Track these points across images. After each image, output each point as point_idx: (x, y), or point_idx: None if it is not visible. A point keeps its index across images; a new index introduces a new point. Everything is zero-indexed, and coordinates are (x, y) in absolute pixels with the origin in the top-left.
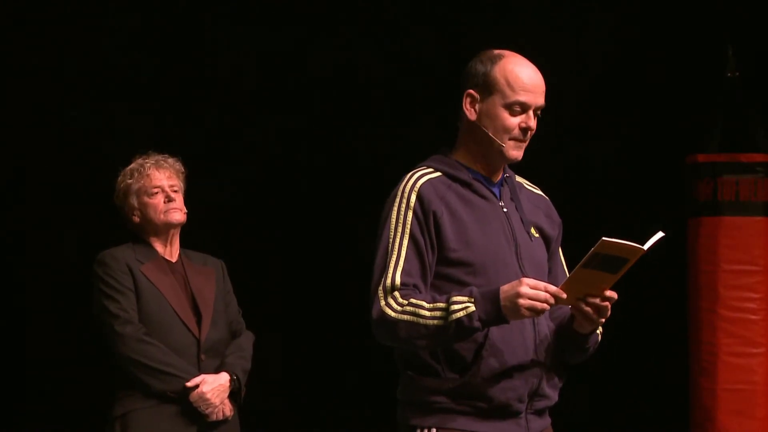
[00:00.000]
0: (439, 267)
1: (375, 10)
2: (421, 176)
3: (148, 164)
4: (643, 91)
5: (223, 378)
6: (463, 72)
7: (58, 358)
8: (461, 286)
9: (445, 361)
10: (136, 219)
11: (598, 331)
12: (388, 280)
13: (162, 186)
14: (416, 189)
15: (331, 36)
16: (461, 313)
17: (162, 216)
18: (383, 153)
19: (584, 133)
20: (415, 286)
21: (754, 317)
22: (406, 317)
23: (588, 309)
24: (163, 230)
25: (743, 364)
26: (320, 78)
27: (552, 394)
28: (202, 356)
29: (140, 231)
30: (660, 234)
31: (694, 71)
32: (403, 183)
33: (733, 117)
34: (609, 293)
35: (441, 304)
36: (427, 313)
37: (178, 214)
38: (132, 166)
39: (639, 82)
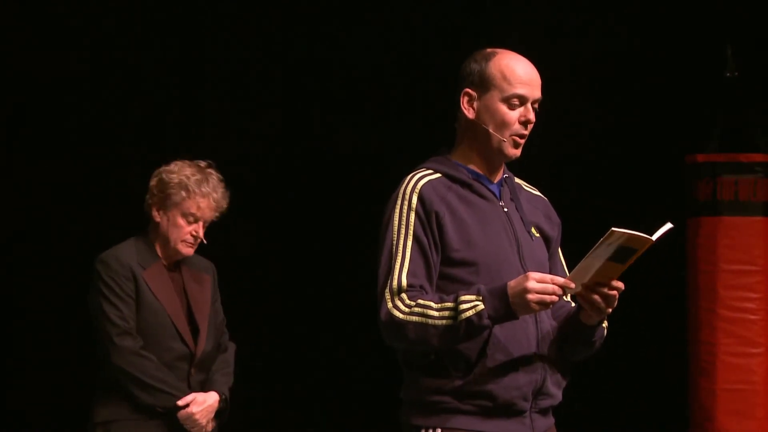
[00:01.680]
0: (442, 267)
1: (376, 8)
2: (422, 177)
3: (202, 190)
4: (643, 90)
5: (212, 398)
6: (458, 73)
7: (57, 358)
8: (465, 286)
9: (449, 360)
10: (157, 219)
11: (603, 325)
12: (395, 282)
13: (201, 219)
14: (417, 190)
15: (330, 35)
16: (470, 312)
17: (179, 244)
18: (382, 154)
19: (584, 133)
20: (421, 287)
21: (753, 317)
22: (414, 318)
23: (596, 297)
24: (171, 250)
25: (742, 364)
26: (319, 77)
27: (556, 393)
28: (193, 370)
29: (153, 229)
30: (668, 225)
31: (694, 71)
32: (404, 185)
33: (733, 117)
34: (616, 283)
35: (449, 304)
36: (436, 314)
37: (190, 250)
38: (187, 174)
39: (639, 81)
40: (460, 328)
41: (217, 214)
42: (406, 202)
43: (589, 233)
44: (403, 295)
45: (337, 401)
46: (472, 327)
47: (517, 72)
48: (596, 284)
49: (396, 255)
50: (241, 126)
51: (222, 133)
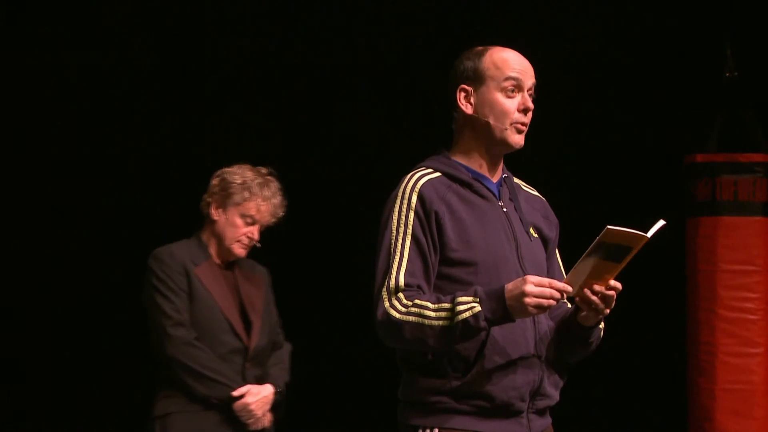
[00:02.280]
0: (440, 267)
1: (376, 7)
2: (421, 177)
3: (264, 195)
4: (643, 90)
5: (268, 390)
6: (450, 73)
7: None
8: (463, 285)
9: (447, 360)
10: (215, 217)
11: (600, 326)
12: (392, 282)
13: (258, 222)
14: (417, 189)
15: (330, 35)
16: (467, 314)
17: (233, 244)
18: (383, 154)
19: (583, 133)
20: (419, 286)
21: (752, 317)
22: (411, 318)
23: (594, 298)
24: (224, 249)
25: (742, 364)
26: (319, 77)
27: (553, 393)
28: (247, 364)
29: (208, 227)
30: (661, 222)
31: (694, 71)
32: (403, 184)
33: (732, 117)
34: (613, 283)
35: (446, 305)
36: (433, 314)
37: (243, 252)
38: (250, 177)
39: (638, 81)
40: (456, 329)
41: (273, 220)
42: (405, 201)
43: (587, 234)
44: (401, 295)
45: (335, 401)
46: (469, 328)
47: (509, 61)
48: (594, 285)
49: (394, 254)
50: (239, 127)
51: (219, 134)
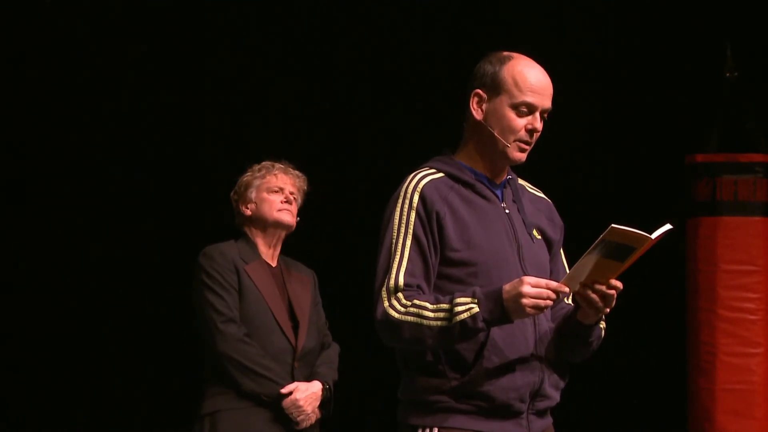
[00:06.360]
0: (441, 267)
1: (381, 8)
2: (424, 177)
3: (278, 167)
4: (643, 90)
5: (316, 386)
6: (471, 72)
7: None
8: (463, 286)
9: (447, 360)
10: (248, 212)
11: (601, 326)
12: (392, 281)
13: (284, 188)
14: (419, 189)
15: (333, 35)
16: (465, 315)
17: (275, 213)
18: (385, 153)
19: (583, 133)
20: (418, 286)
21: (752, 317)
22: (409, 318)
23: (594, 296)
24: (271, 228)
25: (742, 364)
26: (324, 77)
27: (554, 394)
28: (296, 364)
29: (248, 226)
30: (668, 226)
31: (694, 71)
32: (406, 183)
33: (732, 117)
34: (615, 282)
35: (444, 305)
36: (431, 314)
37: (289, 216)
38: (259, 166)
39: (638, 82)
40: (454, 330)
41: (298, 191)
42: (407, 201)
43: (588, 234)
44: (400, 295)
45: (335, 400)
46: (467, 329)
47: (530, 80)
48: (595, 282)
49: (395, 254)
50: (242, 127)
51: (221, 134)
